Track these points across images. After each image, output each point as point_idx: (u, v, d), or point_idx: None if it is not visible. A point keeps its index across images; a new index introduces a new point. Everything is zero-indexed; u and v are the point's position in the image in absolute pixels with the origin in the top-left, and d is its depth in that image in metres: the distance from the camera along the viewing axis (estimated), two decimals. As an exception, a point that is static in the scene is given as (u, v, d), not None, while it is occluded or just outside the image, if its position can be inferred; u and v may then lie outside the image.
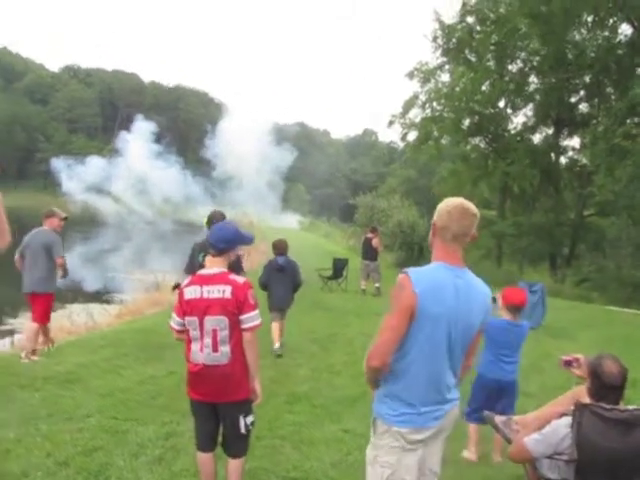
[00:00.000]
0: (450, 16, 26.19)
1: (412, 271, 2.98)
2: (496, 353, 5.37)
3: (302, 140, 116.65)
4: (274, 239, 10.08)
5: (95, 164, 37.46)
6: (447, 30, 25.47)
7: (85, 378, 7.40)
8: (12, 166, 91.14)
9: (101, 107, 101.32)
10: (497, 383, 5.38)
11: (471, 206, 3.12)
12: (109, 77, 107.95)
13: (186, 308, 3.99)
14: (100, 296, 20.45)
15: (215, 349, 3.91)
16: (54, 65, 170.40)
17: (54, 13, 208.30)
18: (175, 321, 4.11)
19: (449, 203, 3.13)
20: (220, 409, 4.07)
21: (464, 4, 25.21)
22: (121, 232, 39.85)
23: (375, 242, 17.44)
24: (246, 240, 4.35)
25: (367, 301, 15.84)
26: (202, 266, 4.61)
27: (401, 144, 36.05)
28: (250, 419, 4.12)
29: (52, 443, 5.32)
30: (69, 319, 14.16)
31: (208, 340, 3.90)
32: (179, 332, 4.12)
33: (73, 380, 7.30)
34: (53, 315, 14.19)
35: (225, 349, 3.91)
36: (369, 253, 17.43)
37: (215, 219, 7.28)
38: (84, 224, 50.26)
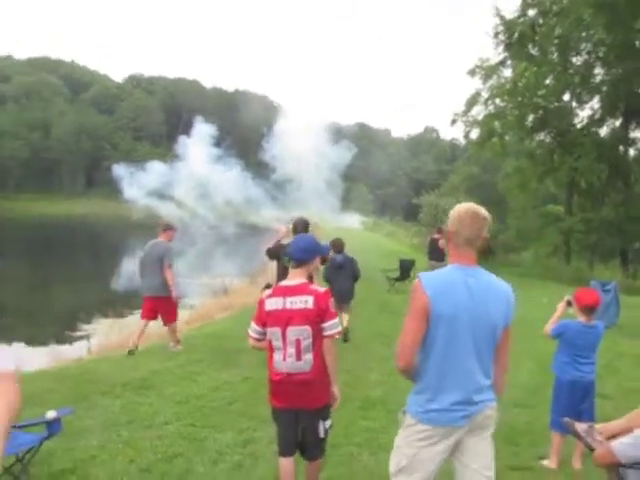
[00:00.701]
0: (511, 11, 25.83)
1: (423, 275, 3.15)
2: (572, 354, 5.24)
3: (363, 140, 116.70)
4: (333, 238, 11.03)
5: (156, 169, 37.87)
6: (508, 25, 25.04)
7: (160, 385, 7.53)
8: (81, 175, 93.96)
9: (165, 114, 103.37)
10: (575, 385, 5.23)
11: (481, 210, 3.24)
12: (171, 84, 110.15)
13: (267, 319, 4.13)
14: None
15: (298, 358, 4.04)
16: (118, 75, 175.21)
17: (118, 25, 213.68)
18: (254, 330, 4.25)
19: (459, 209, 3.27)
20: (301, 415, 4.17)
21: (525, -2, 24.82)
22: (185, 236, 40.38)
23: (441, 243, 17.24)
24: (323, 251, 4.56)
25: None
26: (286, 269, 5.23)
27: (463, 141, 35.56)
28: (328, 423, 4.24)
29: (134, 450, 5.44)
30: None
31: (291, 349, 4.03)
32: (257, 341, 4.27)
33: (149, 387, 7.44)
34: (126, 321, 14.72)
35: (308, 357, 4.05)
36: (435, 253, 17.23)
37: (298, 227, 8.48)
38: (148, 229, 51.20)
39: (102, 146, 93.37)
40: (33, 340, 16.08)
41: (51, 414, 4.44)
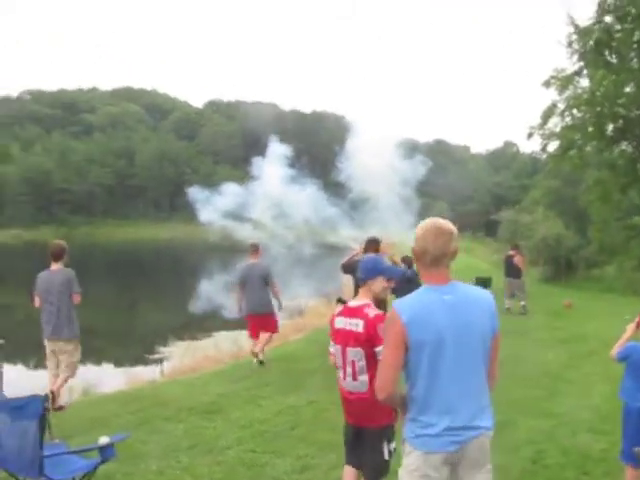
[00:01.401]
0: (585, 18, 25.00)
1: (397, 302, 3.00)
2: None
3: (441, 156, 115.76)
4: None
5: (231, 191, 38.26)
6: (583, 33, 24.26)
7: (226, 408, 7.51)
8: (164, 200, 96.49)
9: (243, 138, 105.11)
10: None
11: (444, 224, 3.08)
12: (250, 108, 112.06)
13: (334, 337, 4.28)
14: (245, 322, 20.96)
15: (354, 378, 4.08)
16: (198, 101, 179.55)
17: (197, 52, 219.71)
18: (333, 346, 4.33)
19: (422, 226, 3.11)
20: (366, 434, 4.16)
21: (600, 3, 23.96)
22: (262, 257, 40.73)
23: (517, 260, 16.81)
24: (387, 272, 4.40)
25: (512, 321, 15.10)
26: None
27: (542, 154, 34.62)
28: (393, 445, 4.13)
29: (191, 476, 5.41)
30: (215, 347, 14.59)
31: (349, 369, 4.09)
32: (335, 357, 4.31)
33: (215, 411, 7.43)
34: (200, 344, 14.92)
35: (363, 378, 4.04)
36: (511, 270, 16.81)
37: (369, 246, 8.79)
38: (225, 251, 52.02)
39: (183, 171, 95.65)
40: (113, 361, 16.54)
41: (104, 440, 4.44)
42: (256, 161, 39.82)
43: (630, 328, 4.97)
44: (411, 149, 43.65)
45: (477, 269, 26.28)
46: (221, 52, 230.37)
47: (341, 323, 4.18)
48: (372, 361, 3.94)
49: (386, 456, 4.13)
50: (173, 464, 5.68)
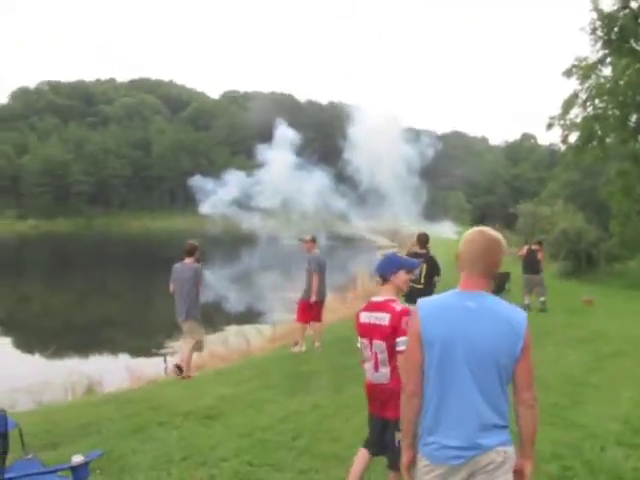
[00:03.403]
0: (610, 4, 24.21)
1: (422, 300, 3.02)
2: None
3: (459, 148, 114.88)
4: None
5: (234, 180, 36.98)
6: (607, 19, 23.49)
7: (226, 414, 7.05)
8: (180, 191, 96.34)
9: (260, 128, 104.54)
10: None
11: (488, 232, 2.99)
12: (266, 99, 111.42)
13: (360, 331, 4.39)
14: (254, 317, 20.58)
15: (377, 369, 4.26)
16: (215, 92, 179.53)
17: (214, 43, 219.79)
18: (359, 340, 4.44)
19: (469, 232, 3.06)
20: (388, 425, 4.28)
21: (626, -12, 23.21)
22: (270, 248, 40.08)
23: (540, 255, 16.27)
24: (406, 265, 4.54)
25: (531, 317, 14.50)
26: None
27: (562, 146, 33.79)
28: None
29: (181, 492, 4.95)
30: (224, 344, 14.21)
31: (373, 361, 4.27)
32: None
33: (213, 416, 6.98)
34: (208, 339, 14.60)
35: (385, 370, 4.23)
36: (533, 266, 16.18)
37: (420, 240, 10.32)
38: (230, 242, 51.65)
39: (200, 162, 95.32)
40: (121, 354, 16.33)
41: (77, 459, 3.99)
42: (262, 148, 38.69)
43: None
44: (416, 136, 42.95)
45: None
46: (238, 43, 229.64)
47: (366, 318, 4.33)
48: (393, 353, 4.13)
49: (397, 444, 4.10)
50: (163, 477, 5.21)
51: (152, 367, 12.97)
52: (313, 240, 11.18)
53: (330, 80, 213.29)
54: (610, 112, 25.51)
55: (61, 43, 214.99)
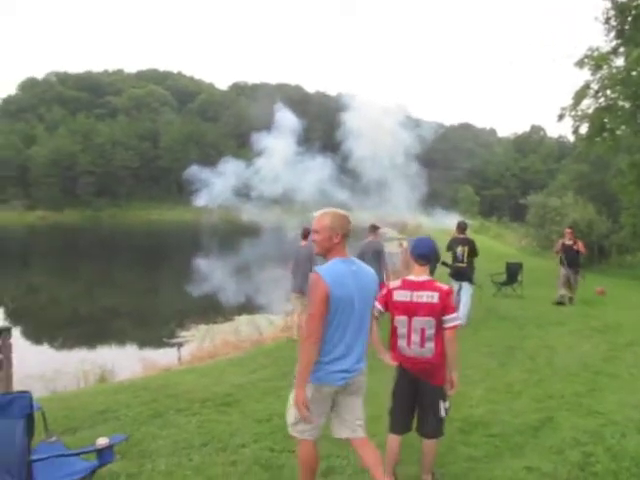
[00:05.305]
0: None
1: (320, 269, 3.88)
2: None
3: (468, 141, 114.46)
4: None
5: (232, 169, 35.94)
6: (621, 8, 23.24)
7: (243, 401, 7.04)
8: (189, 182, 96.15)
9: (267, 120, 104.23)
10: None
11: (343, 211, 4.11)
12: (274, 90, 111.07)
13: (393, 308, 4.62)
14: (265, 307, 20.52)
15: (422, 345, 4.52)
16: (223, 83, 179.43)
17: (222, 34, 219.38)
18: (376, 309, 4.54)
19: (329, 212, 4.06)
20: (421, 389, 4.59)
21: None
22: (275, 239, 39.71)
23: (579, 247, 15.58)
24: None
25: (547, 309, 14.43)
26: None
27: (571, 138, 33.54)
28: (447, 404, 4.63)
29: (204, 477, 4.92)
30: (235, 333, 14.20)
31: (416, 338, 4.51)
32: (375, 318, 4.54)
33: (231, 403, 6.97)
34: (220, 327, 14.65)
35: (430, 345, 4.51)
36: (572, 261, 15.41)
37: (459, 227, 12.38)
38: (232, 233, 51.48)
39: (208, 153, 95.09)
40: (133, 345, 16.30)
41: (102, 441, 3.96)
42: (260, 136, 37.18)
43: None
44: (415, 123, 42.31)
45: (508, 255, 25.62)
46: (246, 35, 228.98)
47: (406, 296, 4.55)
48: (440, 329, 4.49)
49: (442, 413, 4.59)
50: (184, 463, 5.19)
51: (165, 356, 12.99)
52: (374, 228, 12.09)
53: (339, 73, 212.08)
54: (622, 103, 25.28)
55: (69, 34, 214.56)
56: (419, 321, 4.48)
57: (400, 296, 4.57)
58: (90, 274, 32.82)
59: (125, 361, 12.27)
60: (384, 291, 4.68)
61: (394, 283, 4.74)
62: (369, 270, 4.13)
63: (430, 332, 4.47)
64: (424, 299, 4.48)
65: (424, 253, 4.72)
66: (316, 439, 4.15)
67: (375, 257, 11.29)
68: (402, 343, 4.57)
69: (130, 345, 16.43)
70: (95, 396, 7.56)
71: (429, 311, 4.46)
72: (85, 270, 34.36)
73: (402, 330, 4.56)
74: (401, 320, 4.55)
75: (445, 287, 4.59)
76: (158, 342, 15.46)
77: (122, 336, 17.54)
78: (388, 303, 4.63)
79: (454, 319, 4.52)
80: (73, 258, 40.30)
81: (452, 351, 4.53)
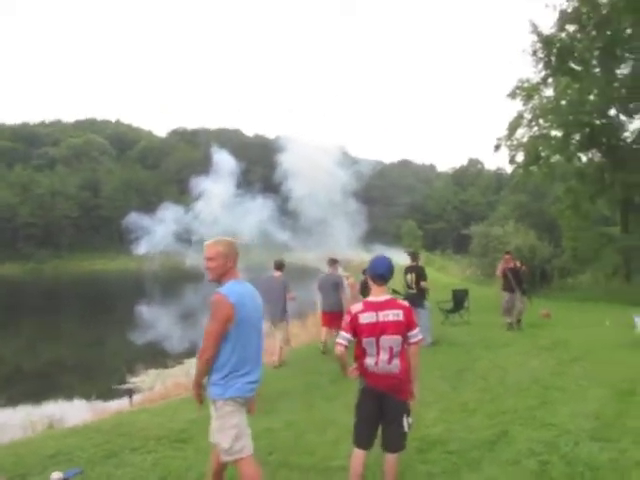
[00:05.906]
0: (548, 26, 24.91)
1: (223, 289, 4.29)
2: None
3: (408, 177, 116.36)
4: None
5: (171, 215, 35.75)
6: (546, 41, 24.16)
7: (197, 436, 6.91)
8: (129, 230, 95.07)
9: (208, 165, 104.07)
10: None
11: (230, 239, 4.58)
12: (214, 135, 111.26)
13: (360, 332, 4.66)
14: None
15: (389, 362, 4.62)
16: (162, 130, 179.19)
17: (160, 82, 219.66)
18: (344, 338, 4.72)
19: (221, 241, 4.50)
20: (386, 404, 4.65)
21: (561, 12, 23.94)
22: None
23: (525, 269, 15.97)
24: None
25: (494, 332, 14.64)
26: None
27: (509, 169, 34.60)
28: (410, 420, 4.73)
29: (160, 513, 4.83)
30: (187, 375, 14.00)
31: (384, 356, 4.60)
32: (345, 347, 4.71)
33: (185, 439, 6.86)
34: (171, 372, 14.36)
35: (396, 362, 4.64)
36: (516, 284, 15.27)
37: (412, 255, 13.47)
38: (174, 280, 50.95)
39: (149, 200, 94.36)
40: (81, 396, 15.83)
41: (56, 476, 3.87)
42: (199, 180, 37.05)
43: None
44: (352, 162, 42.83)
45: (454, 285, 25.97)
46: (183, 81, 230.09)
47: (371, 317, 4.62)
48: (404, 345, 4.68)
49: (405, 428, 4.68)
50: (140, 501, 5.09)
51: (115, 402, 12.70)
52: (332, 262, 13.01)
53: (278, 116, 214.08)
54: (554, 131, 26.13)
55: (3, 85, 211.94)
56: (387, 340, 4.59)
57: (366, 319, 4.65)
58: (33, 328, 31.86)
59: (74, 410, 11.96)
60: (348, 318, 4.74)
61: (356, 307, 4.78)
62: (256, 291, 4.58)
63: (397, 349, 4.62)
64: (390, 317, 4.62)
65: (382, 274, 4.82)
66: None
67: (334, 288, 12.36)
68: (370, 361, 4.65)
69: (77, 397, 15.88)
70: (45, 441, 7.34)
71: (396, 329, 4.60)
72: (28, 324, 33.38)
73: (371, 350, 4.64)
74: (369, 341, 4.63)
75: (406, 304, 4.80)
76: (108, 391, 15.11)
77: (69, 390, 17.00)
78: (356, 328, 4.67)
79: (417, 334, 4.75)
80: (15, 313, 39.16)
81: (417, 365, 4.79)
